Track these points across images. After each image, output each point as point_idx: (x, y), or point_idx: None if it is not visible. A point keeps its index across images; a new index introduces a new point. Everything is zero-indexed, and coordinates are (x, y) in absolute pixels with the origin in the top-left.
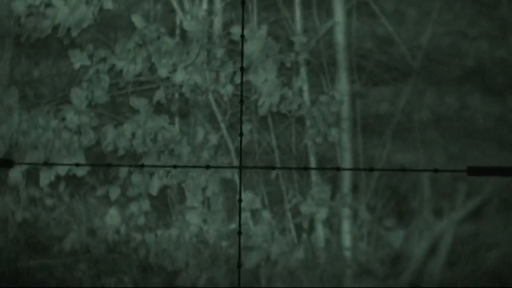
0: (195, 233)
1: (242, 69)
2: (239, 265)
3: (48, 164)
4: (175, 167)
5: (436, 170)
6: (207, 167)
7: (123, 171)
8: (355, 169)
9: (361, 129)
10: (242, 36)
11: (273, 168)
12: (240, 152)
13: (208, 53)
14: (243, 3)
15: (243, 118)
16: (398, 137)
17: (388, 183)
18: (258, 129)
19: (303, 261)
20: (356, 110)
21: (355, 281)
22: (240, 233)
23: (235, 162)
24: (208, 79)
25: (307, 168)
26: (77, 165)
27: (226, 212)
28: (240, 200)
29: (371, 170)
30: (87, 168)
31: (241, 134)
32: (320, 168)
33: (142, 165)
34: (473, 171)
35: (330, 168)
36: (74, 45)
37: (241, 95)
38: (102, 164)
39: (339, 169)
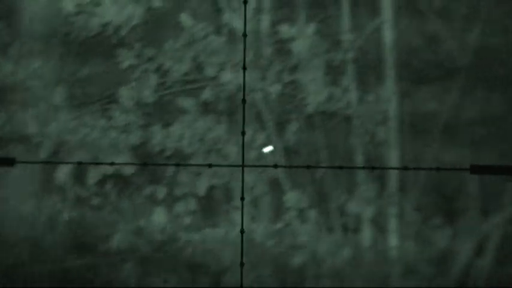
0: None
1: (244, 68)
2: (241, 264)
3: (53, 162)
4: (178, 164)
5: (438, 169)
6: (210, 165)
7: (169, 171)
8: (354, 167)
9: (408, 127)
10: (244, 35)
11: (276, 166)
12: (242, 150)
13: (256, 51)
14: (245, 2)
15: (291, 117)
16: (446, 136)
17: (434, 182)
18: (305, 128)
19: (349, 260)
20: (403, 108)
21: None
22: (242, 231)
23: (283, 161)
24: (256, 78)
25: (309, 167)
26: (79, 163)
27: (272, 211)
28: (243, 199)
29: (373, 169)
30: (135, 167)
31: (243, 133)
32: (320, 168)
33: (145, 164)
34: (476, 169)
35: (329, 168)
36: (122, 44)
37: (244, 95)
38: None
39: (341, 167)
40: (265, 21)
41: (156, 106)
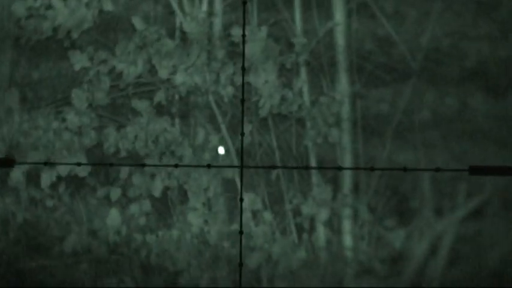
0: (196, 233)
1: (243, 68)
2: (240, 264)
3: (49, 163)
4: (176, 166)
5: (437, 170)
6: (209, 166)
7: (124, 172)
8: (355, 168)
9: (361, 129)
10: (243, 35)
11: (274, 167)
12: (241, 151)
13: (209, 54)
14: (244, 3)
15: (244, 119)
16: (399, 138)
17: (388, 183)
18: (259, 130)
19: (304, 261)
20: (356, 110)
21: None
22: (241, 232)
23: (236, 163)
24: (209, 80)
25: (307, 168)
26: (79, 164)
27: (227, 212)
28: (242, 199)
29: (372, 169)
30: (89, 169)
31: (242, 134)
32: (320, 168)
33: (143, 165)
34: (475, 170)
35: (330, 168)
36: (74, 47)
37: (243, 94)
38: (104, 163)
39: (340, 168)
40: (218, 24)
41: (110, 108)
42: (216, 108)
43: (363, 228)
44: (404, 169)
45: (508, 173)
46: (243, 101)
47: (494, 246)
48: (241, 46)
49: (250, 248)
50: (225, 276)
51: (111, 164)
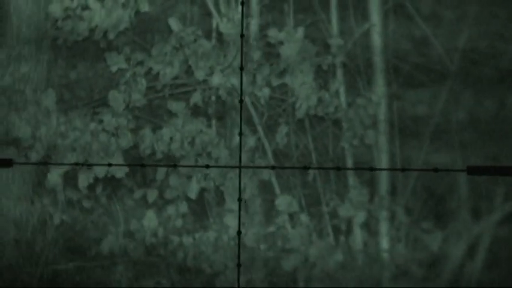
0: (232, 235)
1: (242, 68)
2: (239, 265)
3: (50, 164)
4: (175, 165)
5: (436, 170)
6: (207, 166)
7: (160, 174)
8: (354, 169)
9: (398, 131)
10: (242, 35)
11: (273, 167)
12: (239, 151)
13: (245, 55)
14: (242, 3)
15: (281, 120)
16: (436, 139)
17: (424, 184)
18: (295, 132)
19: (341, 263)
20: (393, 112)
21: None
22: (239, 232)
23: (273, 164)
24: (245, 82)
25: (308, 168)
26: (83, 164)
27: (263, 214)
28: (240, 200)
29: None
30: (125, 170)
31: (240, 134)
32: (321, 168)
33: (143, 165)
34: (473, 170)
35: (330, 168)
36: (110, 48)
37: (241, 95)
38: (137, 164)
39: (339, 168)
40: (254, 25)
41: (146, 110)
42: (253, 109)
43: (399, 230)
44: (403, 169)
45: (506, 173)
46: (241, 101)
47: None
48: (279, 48)
49: (286, 250)
50: (262, 279)
51: (143, 165)
